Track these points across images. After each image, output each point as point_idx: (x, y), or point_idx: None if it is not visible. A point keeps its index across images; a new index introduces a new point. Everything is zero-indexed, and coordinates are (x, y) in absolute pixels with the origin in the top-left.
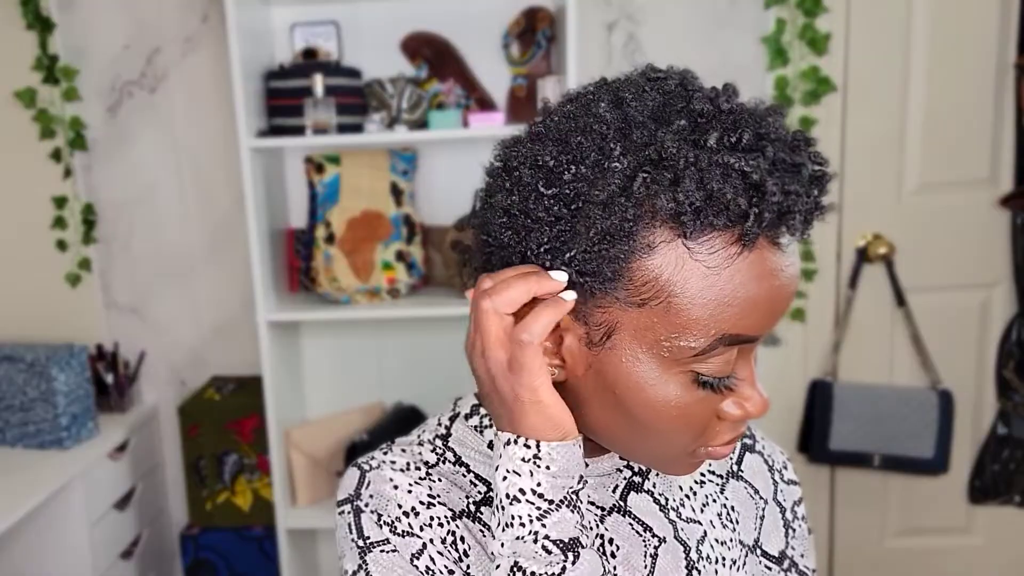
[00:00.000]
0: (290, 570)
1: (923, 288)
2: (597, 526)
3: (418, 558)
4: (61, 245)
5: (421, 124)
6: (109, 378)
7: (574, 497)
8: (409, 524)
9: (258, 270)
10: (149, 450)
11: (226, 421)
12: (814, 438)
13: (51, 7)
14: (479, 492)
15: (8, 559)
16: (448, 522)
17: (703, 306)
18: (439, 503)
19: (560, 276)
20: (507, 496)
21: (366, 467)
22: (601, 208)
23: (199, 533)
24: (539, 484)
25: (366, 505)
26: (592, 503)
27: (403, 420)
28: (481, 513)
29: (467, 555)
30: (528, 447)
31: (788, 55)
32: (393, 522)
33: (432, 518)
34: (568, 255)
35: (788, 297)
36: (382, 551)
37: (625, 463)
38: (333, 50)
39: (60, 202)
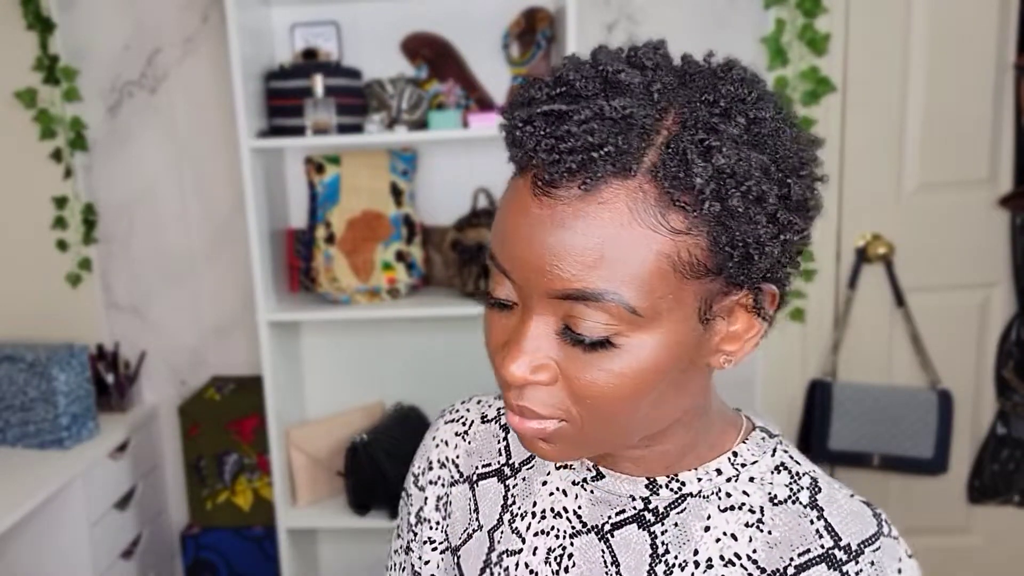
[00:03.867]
0: (290, 570)
1: (923, 288)
2: (566, 538)
3: (411, 506)
4: (61, 245)
5: (421, 124)
6: (109, 378)
7: None
8: (428, 479)
9: (258, 270)
10: (149, 450)
11: (226, 421)
12: (813, 438)
13: (51, 7)
14: (498, 462)
15: (8, 559)
16: (445, 485)
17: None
18: (450, 467)
19: None
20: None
21: (447, 415)
22: None
23: (199, 533)
24: None
25: (422, 446)
26: (578, 514)
27: (403, 420)
28: (477, 485)
29: (449, 517)
30: None
31: (788, 55)
32: (417, 475)
33: (439, 477)
34: None
35: (536, 251)
36: (406, 491)
37: (644, 496)
38: (333, 50)
39: (60, 202)
